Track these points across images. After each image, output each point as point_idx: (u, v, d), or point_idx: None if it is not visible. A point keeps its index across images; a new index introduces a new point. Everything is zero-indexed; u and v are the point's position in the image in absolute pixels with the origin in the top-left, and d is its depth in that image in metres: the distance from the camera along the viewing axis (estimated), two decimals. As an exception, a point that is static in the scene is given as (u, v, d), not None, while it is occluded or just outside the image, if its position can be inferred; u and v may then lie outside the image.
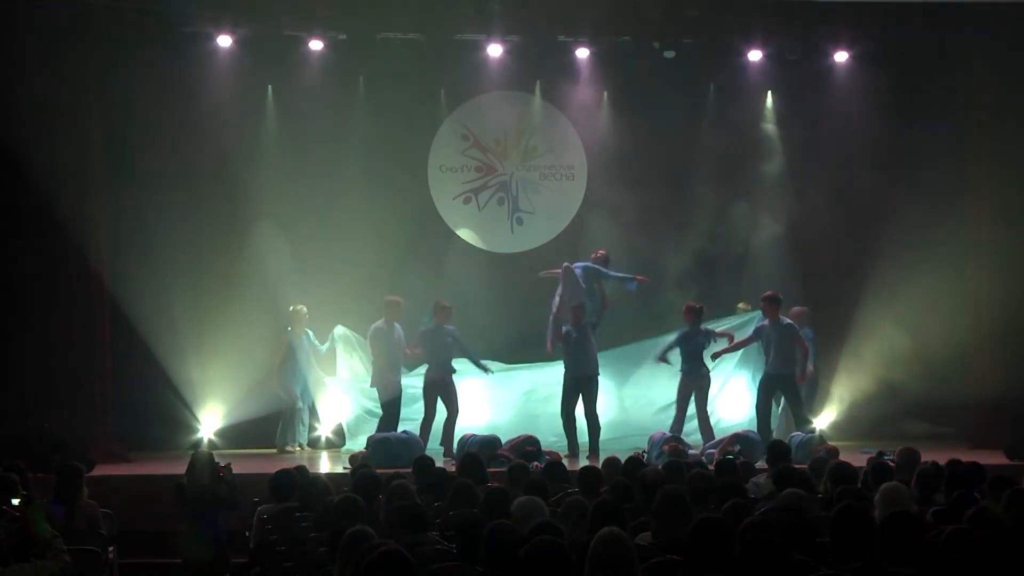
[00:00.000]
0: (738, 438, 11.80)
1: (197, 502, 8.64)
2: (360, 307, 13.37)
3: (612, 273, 13.00)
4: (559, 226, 14.39)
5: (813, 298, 13.67)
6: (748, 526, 5.30)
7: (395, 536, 5.70)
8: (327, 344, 13.09)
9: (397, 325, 12.54)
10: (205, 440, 12.96)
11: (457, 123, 14.33)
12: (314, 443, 13.17)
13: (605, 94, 14.29)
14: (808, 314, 13.10)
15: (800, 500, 6.52)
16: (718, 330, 12.67)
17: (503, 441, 11.84)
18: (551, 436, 12.42)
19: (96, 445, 12.10)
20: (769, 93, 14.33)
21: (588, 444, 12.21)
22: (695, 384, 12.43)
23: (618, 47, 13.83)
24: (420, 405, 12.45)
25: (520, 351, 13.52)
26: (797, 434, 12.05)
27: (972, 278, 13.60)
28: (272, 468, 8.80)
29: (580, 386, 12.27)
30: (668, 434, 11.94)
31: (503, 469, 9.48)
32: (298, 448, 12.90)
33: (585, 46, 13.86)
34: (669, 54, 13.84)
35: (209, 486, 8.71)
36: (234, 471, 8.81)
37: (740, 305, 13.47)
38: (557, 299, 12.65)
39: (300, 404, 13.02)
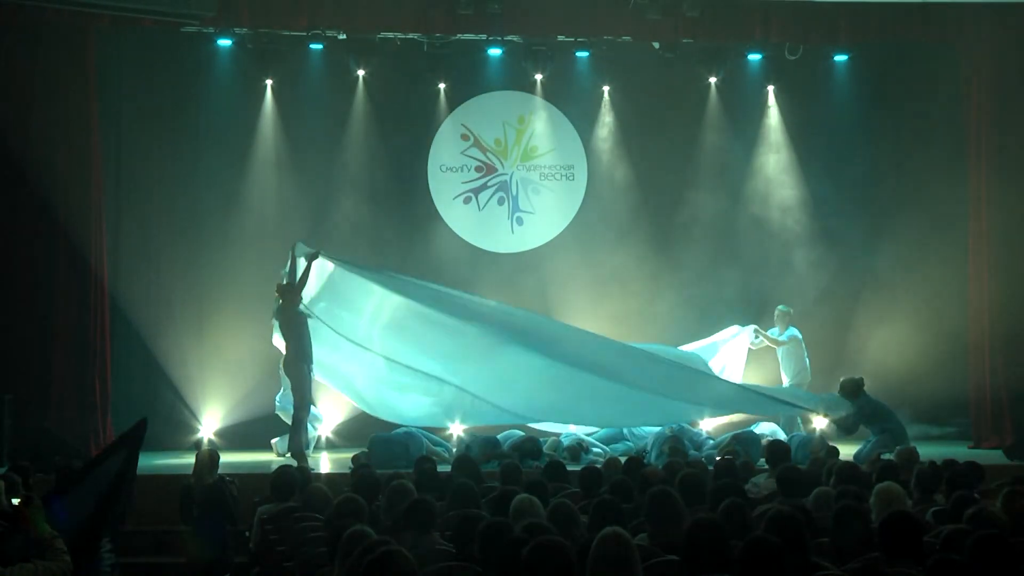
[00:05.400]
0: (738, 438, 11.80)
1: (203, 502, 8.67)
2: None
3: None
4: (559, 226, 14.38)
5: (812, 297, 13.68)
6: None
7: (395, 536, 5.70)
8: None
9: None
10: (205, 440, 12.96)
11: (457, 123, 14.32)
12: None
13: (605, 94, 14.29)
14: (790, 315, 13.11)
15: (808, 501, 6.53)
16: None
17: (503, 442, 11.85)
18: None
19: (96, 445, 12.10)
20: (769, 93, 14.33)
21: None
22: None
23: (618, 47, 13.83)
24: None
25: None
26: (797, 434, 12.05)
27: (972, 278, 13.59)
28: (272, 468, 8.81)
29: None
30: (669, 434, 11.94)
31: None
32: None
33: (585, 46, 13.87)
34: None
35: (215, 485, 8.74)
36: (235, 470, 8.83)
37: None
38: None
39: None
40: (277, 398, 12.19)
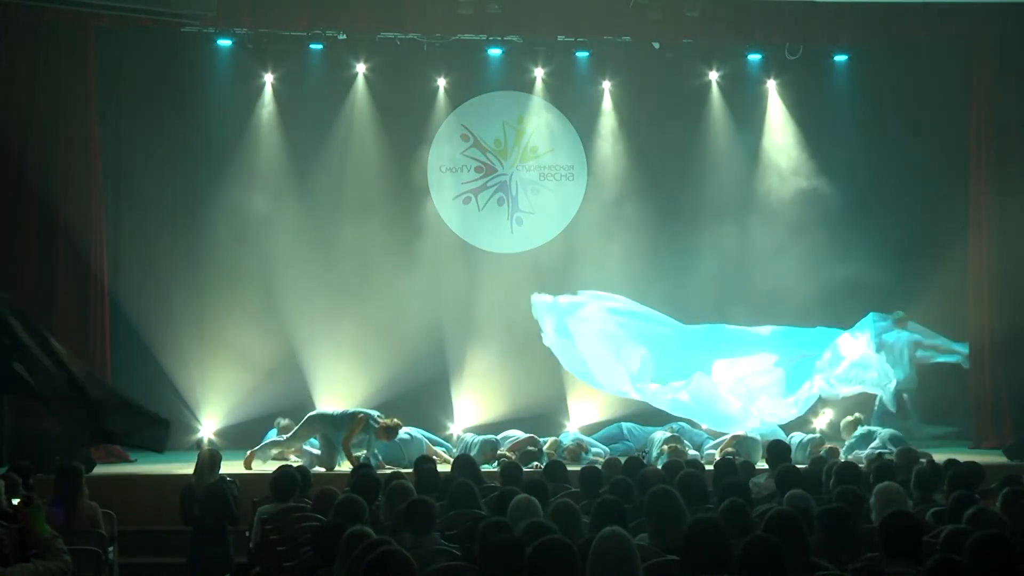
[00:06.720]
0: (738, 439, 11.80)
1: (204, 502, 8.68)
2: (358, 306, 13.41)
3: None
4: (559, 226, 14.37)
5: (812, 297, 13.68)
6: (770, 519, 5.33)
7: (395, 536, 5.70)
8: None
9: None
10: (205, 440, 12.96)
11: (457, 123, 14.32)
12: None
13: (605, 94, 14.29)
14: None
15: (806, 501, 6.53)
16: None
17: (503, 442, 11.86)
18: None
19: (96, 445, 12.08)
20: (769, 93, 14.33)
21: None
22: None
23: (618, 47, 13.84)
24: None
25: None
26: (797, 434, 12.06)
27: (972, 278, 13.59)
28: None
29: None
30: (668, 434, 11.96)
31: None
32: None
33: (585, 46, 13.88)
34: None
35: (216, 485, 8.75)
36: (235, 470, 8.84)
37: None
38: None
39: None
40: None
